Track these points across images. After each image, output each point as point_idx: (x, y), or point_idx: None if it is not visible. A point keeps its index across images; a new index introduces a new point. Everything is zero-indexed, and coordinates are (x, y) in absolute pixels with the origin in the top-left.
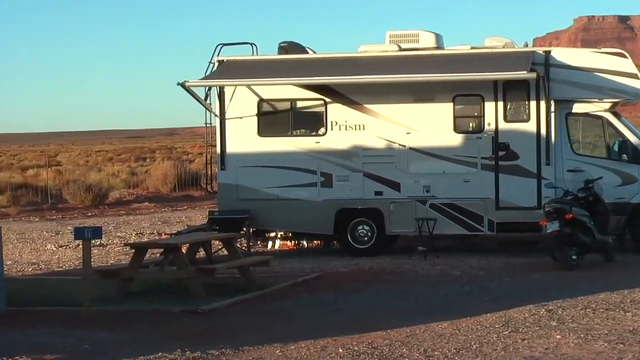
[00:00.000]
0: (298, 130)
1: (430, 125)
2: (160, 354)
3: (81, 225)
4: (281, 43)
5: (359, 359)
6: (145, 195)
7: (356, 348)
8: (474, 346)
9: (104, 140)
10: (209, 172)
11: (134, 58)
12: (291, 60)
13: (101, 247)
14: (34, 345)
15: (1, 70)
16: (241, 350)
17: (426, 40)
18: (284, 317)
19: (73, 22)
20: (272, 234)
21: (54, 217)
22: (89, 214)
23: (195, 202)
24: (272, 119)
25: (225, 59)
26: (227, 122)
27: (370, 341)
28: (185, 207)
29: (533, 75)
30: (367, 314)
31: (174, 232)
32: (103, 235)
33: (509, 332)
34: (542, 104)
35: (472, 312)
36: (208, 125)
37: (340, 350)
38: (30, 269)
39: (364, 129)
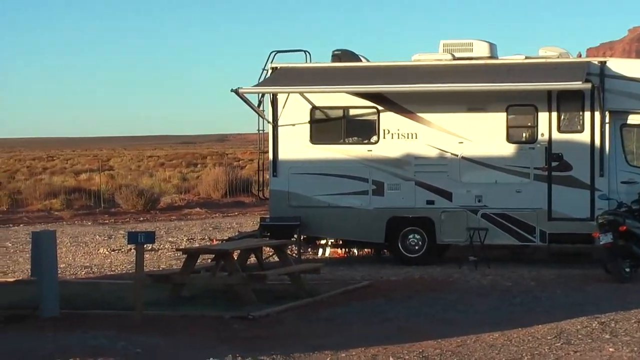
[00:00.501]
0: (350, 138)
1: (483, 135)
2: (211, 359)
3: (134, 230)
4: (335, 51)
5: None
6: (197, 201)
7: (407, 357)
8: (526, 358)
9: (155, 146)
10: (261, 179)
11: (187, 64)
12: (344, 68)
13: (153, 252)
14: (87, 348)
15: (56, 74)
16: (292, 356)
17: (480, 50)
18: (335, 325)
19: (127, 29)
20: (323, 242)
21: (107, 221)
22: (141, 218)
23: (246, 208)
24: (324, 126)
25: (278, 66)
26: (279, 129)
27: (420, 350)
28: (236, 213)
29: (588, 85)
30: (417, 323)
31: (225, 238)
32: (157, 240)
33: (561, 344)
34: (597, 114)
35: (524, 323)
36: (260, 132)
37: (391, 359)
38: (83, 272)
39: (416, 138)
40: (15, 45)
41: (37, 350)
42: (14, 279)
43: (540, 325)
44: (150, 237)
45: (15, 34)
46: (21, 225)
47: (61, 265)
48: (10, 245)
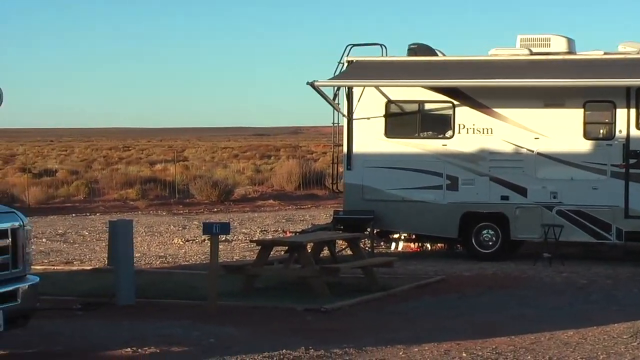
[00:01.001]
0: (425, 133)
1: (559, 131)
2: (284, 350)
3: (209, 221)
4: (411, 45)
5: None
6: (270, 193)
7: (480, 353)
8: (601, 356)
9: (229, 137)
10: (335, 172)
11: (261, 56)
12: (420, 62)
13: (226, 243)
14: (161, 337)
15: (133, 65)
16: (364, 350)
17: (558, 45)
18: (407, 319)
19: (204, 21)
20: (396, 236)
21: (181, 211)
22: (215, 209)
23: (319, 201)
24: (399, 120)
25: (354, 59)
26: (354, 122)
27: (494, 347)
28: (309, 206)
29: None
30: (490, 319)
31: (299, 230)
32: (232, 231)
33: (638, 344)
34: None
35: (599, 321)
36: (335, 124)
37: (464, 355)
38: (158, 262)
39: (491, 133)
40: (82, 33)
41: (114, 338)
42: (91, 267)
43: (616, 324)
44: (226, 228)
45: (91, 23)
46: (98, 214)
47: (136, 255)
48: (87, 233)
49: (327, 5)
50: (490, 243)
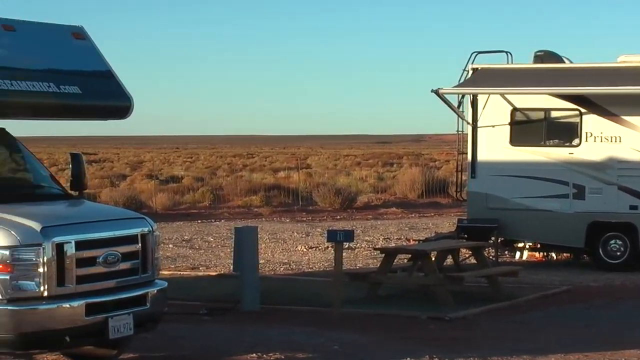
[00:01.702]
0: (551, 141)
1: None
2: (408, 359)
3: (333, 228)
4: (537, 52)
5: None
6: (393, 201)
7: None
8: None
9: (351, 145)
10: (459, 180)
11: (385, 64)
12: (547, 70)
13: (350, 250)
14: (286, 343)
15: (255, 72)
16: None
17: None
18: (532, 329)
19: (328, 28)
20: (520, 245)
21: (304, 218)
22: (338, 217)
23: (442, 209)
24: (524, 128)
25: (479, 66)
26: (479, 130)
27: (623, 359)
28: (432, 214)
29: None
30: (619, 330)
31: (422, 238)
32: (355, 239)
33: None
34: None
35: None
36: (459, 132)
37: None
38: (282, 268)
39: (620, 141)
40: (210, 42)
41: (239, 343)
42: (217, 273)
43: None
44: (349, 235)
45: (211, 28)
46: (222, 220)
47: (260, 261)
48: (212, 240)
49: (451, 13)
50: (619, 253)
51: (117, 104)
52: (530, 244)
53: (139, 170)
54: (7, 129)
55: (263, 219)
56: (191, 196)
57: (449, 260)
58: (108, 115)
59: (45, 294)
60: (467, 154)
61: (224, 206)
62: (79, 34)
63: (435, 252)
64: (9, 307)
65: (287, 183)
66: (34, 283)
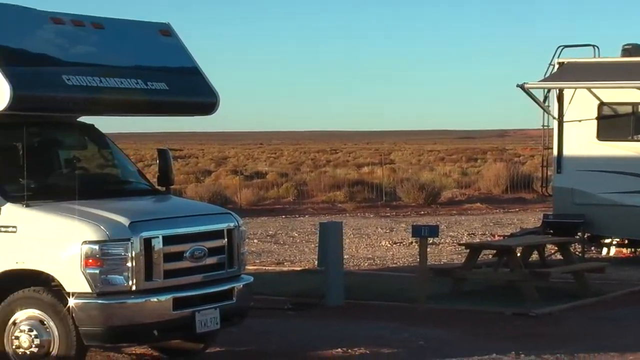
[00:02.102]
0: (639, 135)
1: None
2: (494, 355)
3: (417, 224)
4: (625, 45)
5: None
6: (477, 196)
7: None
8: None
9: (435, 140)
10: (544, 175)
11: (468, 59)
12: (635, 63)
13: (434, 246)
14: (371, 339)
15: (334, 69)
16: (576, 356)
17: None
18: (620, 326)
19: (403, 24)
20: (608, 240)
21: (388, 214)
22: (422, 212)
23: (527, 205)
24: (612, 122)
25: (565, 60)
26: (565, 125)
27: None
28: (517, 209)
29: None
30: None
31: (507, 234)
32: (440, 235)
33: None
34: None
35: None
36: (545, 127)
37: None
38: (366, 263)
39: None
40: (293, 39)
41: (324, 338)
42: (301, 268)
43: None
44: (434, 231)
45: (289, 24)
46: (306, 215)
47: (345, 257)
48: (296, 235)
49: (536, 6)
50: None
51: (204, 100)
52: (618, 239)
53: (223, 166)
54: (96, 126)
55: (347, 214)
56: (275, 192)
57: (535, 256)
58: (194, 111)
59: (134, 288)
60: (552, 149)
61: (308, 202)
62: (165, 31)
63: (521, 248)
64: (99, 301)
65: (371, 178)
66: (122, 277)
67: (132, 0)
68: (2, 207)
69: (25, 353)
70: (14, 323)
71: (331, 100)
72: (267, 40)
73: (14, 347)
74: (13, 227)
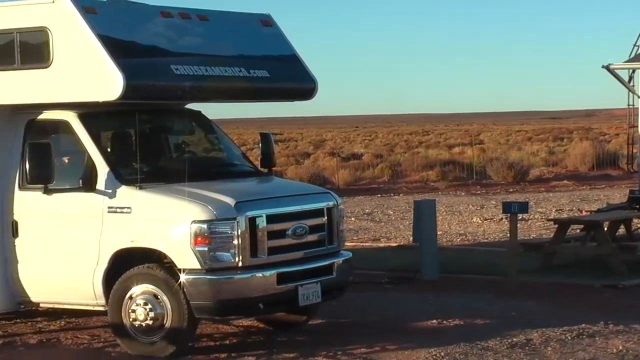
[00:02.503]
0: None
1: None
2: (583, 325)
3: (508, 200)
4: None
5: None
6: (564, 174)
7: None
8: None
9: (522, 121)
10: (630, 153)
11: (553, 40)
12: None
13: (523, 222)
14: (465, 310)
15: (428, 54)
16: None
17: None
18: None
19: (497, 7)
20: None
21: (478, 192)
22: (511, 190)
23: (613, 181)
24: None
25: None
26: None
27: None
28: (603, 186)
29: None
30: None
31: (594, 209)
32: (530, 211)
33: None
34: None
35: None
36: (630, 107)
37: None
38: (459, 239)
39: None
40: (384, 25)
41: (421, 310)
42: (397, 244)
43: None
44: (524, 207)
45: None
46: (401, 194)
47: (438, 233)
48: (391, 213)
49: None
50: None
51: (303, 86)
52: None
53: (321, 149)
54: (202, 112)
55: (439, 192)
56: (371, 172)
57: (622, 230)
58: (294, 96)
59: (240, 264)
60: (638, 127)
61: (402, 181)
62: (266, 21)
63: (608, 223)
64: (208, 277)
65: (462, 158)
66: (229, 254)
67: None
68: (118, 190)
69: (141, 325)
70: (130, 297)
71: (422, 84)
72: (365, 26)
73: (130, 319)
74: (128, 208)
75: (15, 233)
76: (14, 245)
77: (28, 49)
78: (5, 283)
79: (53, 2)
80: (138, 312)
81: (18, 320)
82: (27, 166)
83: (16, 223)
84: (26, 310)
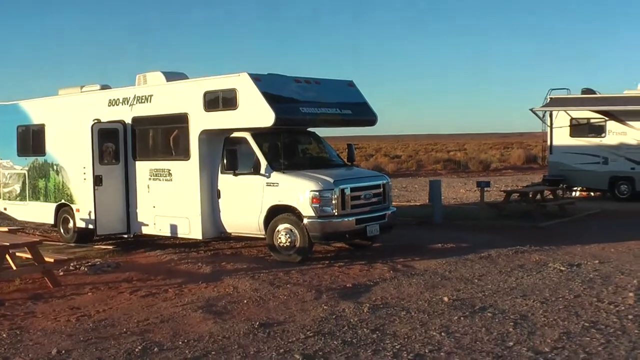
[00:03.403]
0: (590, 134)
1: None
2: (518, 247)
3: (479, 180)
4: (583, 88)
5: None
6: (509, 166)
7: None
8: None
9: (486, 137)
10: (543, 155)
11: (492, 87)
12: (587, 98)
13: (487, 192)
14: (456, 239)
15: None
16: (561, 247)
17: None
18: (584, 232)
19: None
20: (575, 189)
21: (463, 176)
22: (481, 175)
23: (535, 171)
24: (577, 128)
25: (553, 96)
26: (554, 129)
27: (626, 247)
28: (530, 173)
29: None
30: (615, 233)
31: (525, 185)
32: (491, 186)
33: None
34: None
35: None
36: (543, 131)
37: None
38: (452, 201)
39: (626, 134)
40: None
41: (432, 239)
42: (420, 203)
43: None
44: (488, 184)
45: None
46: (421, 177)
47: (442, 197)
48: (417, 186)
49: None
50: (625, 192)
51: (369, 118)
52: (580, 188)
53: (379, 152)
54: (316, 132)
55: (443, 176)
56: (405, 165)
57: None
58: (364, 124)
59: (335, 213)
60: (547, 142)
61: (422, 170)
62: (351, 84)
63: (532, 192)
64: (319, 220)
65: (454, 157)
66: (330, 208)
67: (332, 64)
68: (272, 174)
69: (283, 245)
70: (277, 231)
71: (431, 112)
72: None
73: (278, 242)
74: (276, 183)
75: (219, 196)
76: (219, 203)
77: (226, 100)
78: (214, 222)
79: (239, 75)
80: (282, 238)
81: (220, 241)
82: (225, 161)
83: (219, 191)
84: (224, 236)
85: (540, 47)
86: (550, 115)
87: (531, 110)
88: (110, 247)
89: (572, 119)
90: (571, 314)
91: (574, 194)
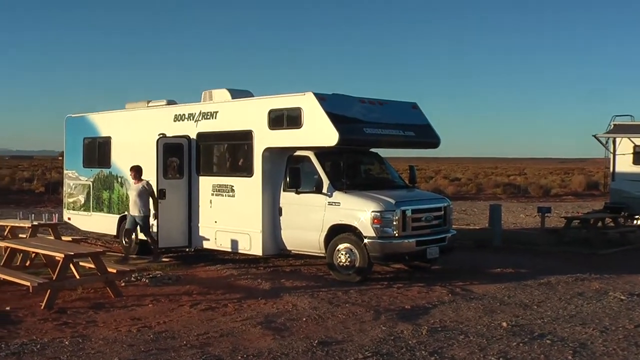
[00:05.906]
0: None
1: None
2: (578, 274)
3: (540, 205)
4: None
5: None
6: (569, 192)
7: None
8: None
9: (546, 163)
10: (605, 182)
11: (559, 113)
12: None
13: (547, 218)
14: (515, 264)
15: None
16: (621, 276)
17: None
18: None
19: None
20: (637, 217)
21: (523, 200)
22: (541, 200)
23: (596, 198)
24: None
25: (617, 122)
26: (617, 155)
27: None
28: (590, 200)
29: None
30: None
31: (585, 212)
32: (551, 212)
33: None
34: None
35: None
36: (606, 157)
37: None
38: (512, 225)
39: None
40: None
41: (491, 262)
42: (480, 227)
43: None
44: (548, 209)
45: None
46: (481, 201)
47: (502, 221)
48: (476, 210)
49: None
50: None
51: (432, 141)
52: None
53: (439, 174)
54: (378, 153)
55: (502, 200)
56: (465, 188)
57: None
58: (428, 147)
59: (396, 234)
60: (609, 168)
61: (482, 193)
62: (414, 105)
63: (593, 219)
64: (379, 241)
65: (514, 182)
66: (391, 229)
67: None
68: (334, 193)
69: (343, 264)
70: (338, 250)
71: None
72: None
73: (337, 261)
74: (338, 202)
75: (280, 213)
76: (280, 220)
77: (291, 119)
78: (275, 239)
79: (304, 95)
80: (342, 257)
81: (279, 258)
82: (288, 179)
83: (281, 208)
84: (284, 254)
85: (603, 70)
86: (614, 142)
87: (594, 136)
88: (171, 259)
89: (635, 146)
90: (631, 344)
91: (635, 222)
